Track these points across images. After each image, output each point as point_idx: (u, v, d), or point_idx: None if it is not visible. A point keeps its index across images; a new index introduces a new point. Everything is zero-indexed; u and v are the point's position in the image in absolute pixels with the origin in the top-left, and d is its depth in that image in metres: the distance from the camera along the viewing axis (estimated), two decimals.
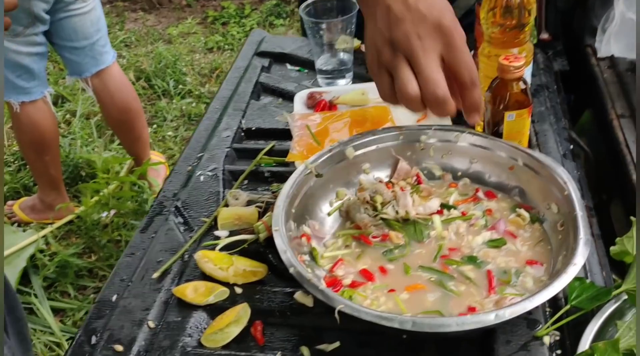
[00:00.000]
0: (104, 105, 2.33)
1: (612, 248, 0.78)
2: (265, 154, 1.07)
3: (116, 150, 2.70)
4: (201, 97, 3.07)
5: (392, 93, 0.75)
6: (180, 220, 0.96)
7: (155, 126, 2.89)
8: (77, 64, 2.20)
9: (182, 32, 3.69)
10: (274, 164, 1.05)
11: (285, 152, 1.06)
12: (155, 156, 2.59)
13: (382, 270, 0.83)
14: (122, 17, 3.88)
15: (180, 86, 3.11)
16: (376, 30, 0.74)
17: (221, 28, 3.75)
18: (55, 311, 2.01)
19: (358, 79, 1.25)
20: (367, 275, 0.82)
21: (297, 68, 1.33)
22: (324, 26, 1.19)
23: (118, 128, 2.43)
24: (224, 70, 3.26)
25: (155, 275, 0.86)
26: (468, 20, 1.15)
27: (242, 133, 1.15)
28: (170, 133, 2.85)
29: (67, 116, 2.93)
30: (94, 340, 0.78)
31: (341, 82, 1.25)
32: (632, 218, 0.78)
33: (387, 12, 0.73)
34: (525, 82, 0.90)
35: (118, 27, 3.73)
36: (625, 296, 0.73)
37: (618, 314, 0.73)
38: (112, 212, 2.25)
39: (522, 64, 0.87)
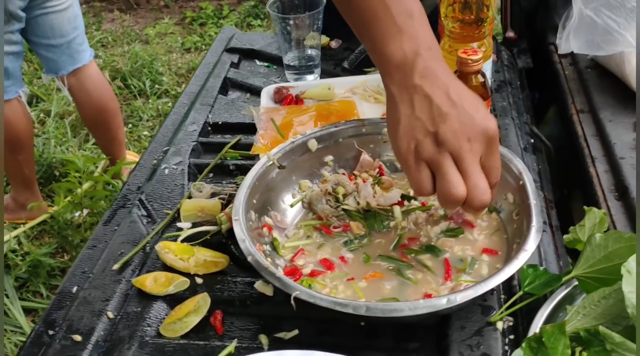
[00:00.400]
0: (80, 104, 2.32)
1: (565, 236, 0.80)
2: (231, 148, 1.08)
3: (91, 150, 2.69)
4: (177, 97, 3.05)
5: (432, 188, 0.71)
6: (144, 212, 0.96)
7: (130, 126, 2.88)
8: (53, 62, 2.19)
9: (160, 32, 3.68)
10: (240, 157, 1.06)
11: (251, 146, 1.06)
12: (131, 156, 2.58)
13: (342, 259, 0.84)
14: (99, 17, 3.86)
15: (157, 86, 3.11)
16: (415, 119, 0.71)
17: (199, 28, 3.75)
18: (27, 311, 1.99)
19: (325, 74, 1.26)
20: (327, 264, 0.83)
21: (266, 64, 1.34)
22: (291, 22, 1.20)
23: (94, 128, 2.42)
24: None
25: (116, 266, 0.86)
26: (434, 16, 1.17)
27: (209, 128, 1.15)
28: (146, 132, 2.84)
29: (42, 116, 2.91)
30: (52, 331, 0.78)
31: (309, 77, 1.26)
32: (585, 208, 0.80)
33: (429, 102, 0.70)
34: (483, 75, 0.92)
35: (95, 27, 3.71)
36: (576, 282, 0.74)
37: (569, 299, 0.75)
38: (86, 211, 2.24)
39: (480, 58, 0.89)
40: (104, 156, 2.50)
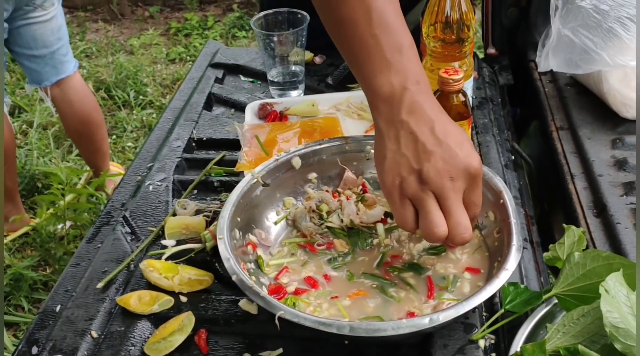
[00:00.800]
0: (63, 115, 2.31)
1: (545, 254, 0.81)
2: (215, 164, 1.08)
3: (74, 161, 2.68)
4: (162, 108, 3.06)
5: (415, 225, 0.73)
6: (128, 229, 0.96)
7: (114, 137, 2.87)
8: (36, 73, 2.18)
9: (144, 43, 3.67)
10: (224, 174, 1.06)
11: (235, 162, 1.06)
12: (115, 167, 2.57)
13: (326, 277, 0.84)
14: (83, 27, 3.84)
15: (141, 97, 3.10)
16: (400, 155, 0.72)
17: (184, 39, 3.75)
18: (8, 325, 1.97)
19: (309, 90, 1.27)
20: (311, 282, 0.83)
21: (250, 79, 1.35)
22: (275, 38, 1.21)
23: (78, 139, 2.41)
24: None
25: (100, 284, 0.86)
26: (416, 34, 1.18)
27: (193, 144, 1.15)
28: (130, 144, 2.84)
29: (24, 127, 2.89)
30: (35, 350, 0.78)
31: (293, 93, 1.27)
32: (564, 226, 0.82)
33: (414, 139, 0.72)
34: (464, 95, 0.93)
35: (79, 37, 3.70)
36: (556, 300, 0.76)
37: (549, 317, 0.76)
38: (69, 223, 2.23)
39: (461, 77, 0.90)
40: (88, 167, 2.49)
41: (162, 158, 1.10)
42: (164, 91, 3.21)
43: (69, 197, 2.25)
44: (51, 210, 2.20)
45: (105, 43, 3.65)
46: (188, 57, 3.51)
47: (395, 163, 0.73)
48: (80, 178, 2.50)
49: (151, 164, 1.09)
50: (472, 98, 1.16)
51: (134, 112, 3.01)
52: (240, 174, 1.05)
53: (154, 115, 2.99)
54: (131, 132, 2.90)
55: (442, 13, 0.95)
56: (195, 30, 3.78)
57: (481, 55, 1.48)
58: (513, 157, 1.13)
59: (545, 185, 1.19)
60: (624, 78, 1.06)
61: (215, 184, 1.04)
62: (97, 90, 3.11)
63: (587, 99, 1.16)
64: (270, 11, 1.24)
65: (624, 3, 1.05)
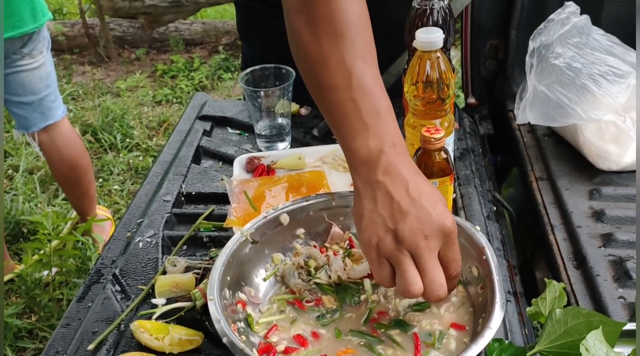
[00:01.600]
0: (51, 160, 2.31)
1: (528, 309, 0.84)
2: (204, 219, 1.10)
3: (60, 206, 2.67)
4: (148, 150, 3.08)
5: (392, 282, 0.75)
6: (118, 288, 0.97)
7: (101, 180, 2.88)
8: (24, 119, 2.19)
9: (131, 85, 3.71)
10: (213, 229, 1.08)
11: (224, 217, 1.08)
12: (101, 211, 2.57)
13: (315, 335, 0.86)
14: (70, 70, 3.88)
15: (128, 139, 3.12)
16: (377, 215, 0.75)
17: (170, 81, 3.79)
18: None
19: (296, 142, 1.30)
20: (300, 340, 0.85)
21: (238, 131, 1.38)
22: (262, 93, 1.25)
23: (64, 184, 2.41)
24: (172, 123, 3.28)
25: (91, 346, 0.86)
26: (398, 86, 1.22)
27: (182, 198, 1.17)
28: (116, 187, 2.84)
29: (10, 171, 2.89)
30: None
31: (280, 145, 1.30)
32: (546, 280, 0.84)
33: (390, 200, 0.74)
34: (446, 152, 0.97)
35: (65, 80, 3.73)
36: None
37: None
38: (54, 270, 2.21)
39: (442, 136, 0.94)
40: (74, 211, 2.48)
41: (151, 214, 1.12)
42: (151, 133, 3.24)
43: (54, 243, 2.25)
44: (36, 257, 2.19)
45: (92, 86, 3.68)
46: (174, 99, 3.55)
47: (372, 222, 0.76)
48: (66, 223, 2.50)
49: (140, 220, 1.10)
50: (454, 149, 1.19)
51: (121, 154, 3.02)
52: (229, 229, 1.06)
53: (141, 158, 3.01)
54: (118, 174, 2.91)
55: (422, 73, 0.99)
56: (182, 72, 3.83)
57: (462, 104, 1.53)
58: (495, 207, 1.16)
59: (527, 233, 1.22)
60: (598, 131, 1.10)
61: (205, 239, 1.06)
62: (84, 133, 3.13)
63: (565, 150, 1.20)
64: (257, 67, 1.28)
65: (595, 61, 1.10)
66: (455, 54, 2.43)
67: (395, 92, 1.36)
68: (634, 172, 1.11)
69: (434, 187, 0.79)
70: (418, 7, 1.05)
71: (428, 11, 1.05)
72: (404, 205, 0.73)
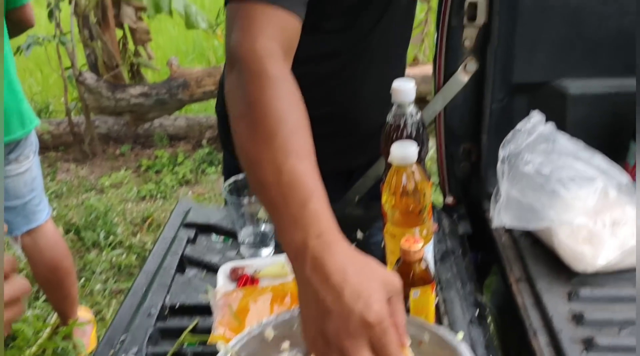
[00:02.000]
0: (33, 262, 2.30)
1: None
2: (189, 331, 1.09)
3: (41, 308, 2.62)
4: (132, 247, 3.07)
5: None
6: None
7: (83, 279, 2.84)
8: (7, 223, 2.18)
9: (115, 182, 3.74)
10: (198, 344, 1.07)
11: (209, 329, 1.08)
12: (84, 312, 2.52)
13: None
14: (55, 168, 3.92)
15: (111, 237, 3.11)
16: (307, 315, 0.76)
17: (154, 176, 3.84)
18: None
19: (280, 247, 1.32)
20: None
21: (222, 238, 1.40)
22: (245, 201, 1.28)
23: (46, 286, 2.38)
24: (156, 218, 3.30)
25: None
26: (376, 189, 1.26)
27: (167, 311, 1.17)
28: (98, 286, 2.81)
29: None
30: None
31: (264, 251, 1.32)
32: None
33: (316, 299, 0.74)
34: (426, 261, 0.99)
35: (50, 177, 3.76)
36: None
37: None
38: None
39: (421, 246, 0.97)
40: (55, 314, 2.44)
41: (135, 329, 1.11)
42: (135, 229, 3.24)
43: (34, 348, 2.20)
44: None
45: (76, 183, 3.71)
46: (159, 194, 3.58)
47: (306, 322, 0.77)
48: (47, 326, 2.45)
49: (124, 336, 1.09)
50: (435, 251, 1.22)
51: (104, 252, 3.01)
52: (214, 344, 1.06)
53: (124, 256, 2.99)
54: (100, 273, 2.88)
55: (399, 185, 1.03)
56: (166, 167, 3.89)
57: (440, 203, 1.57)
58: (478, 309, 1.17)
59: (510, 334, 1.23)
60: (571, 233, 1.14)
61: None
62: (67, 232, 3.12)
63: (541, 250, 1.23)
64: (240, 176, 1.32)
65: (563, 165, 1.16)
66: (433, 142, 2.50)
67: (373, 195, 1.40)
68: (610, 273, 1.14)
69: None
70: (391, 122, 1.11)
71: (402, 126, 1.10)
72: (328, 302, 0.73)
